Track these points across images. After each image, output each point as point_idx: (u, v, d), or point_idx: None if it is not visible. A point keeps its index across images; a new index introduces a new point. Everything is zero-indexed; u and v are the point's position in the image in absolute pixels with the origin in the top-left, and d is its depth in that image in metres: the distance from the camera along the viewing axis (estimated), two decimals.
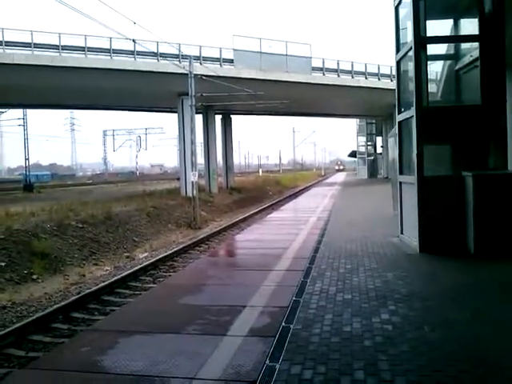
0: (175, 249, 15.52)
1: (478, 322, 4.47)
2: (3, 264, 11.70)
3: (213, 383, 3.51)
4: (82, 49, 25.02)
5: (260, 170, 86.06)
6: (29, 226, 14.34)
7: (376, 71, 34.71)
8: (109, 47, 25.49)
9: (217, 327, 4.69)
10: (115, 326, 5.07)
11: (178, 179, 34.12)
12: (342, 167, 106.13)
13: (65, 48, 24.81)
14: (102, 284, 11.02)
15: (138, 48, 24.83)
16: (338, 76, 32.91)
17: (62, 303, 9.44)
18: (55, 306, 9.27)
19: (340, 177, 59.11)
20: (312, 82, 30.75)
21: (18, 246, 12.76)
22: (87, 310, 9.38)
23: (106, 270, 13.67)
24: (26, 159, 44.77)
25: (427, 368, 3.51)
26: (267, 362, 3.76)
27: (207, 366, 3.75)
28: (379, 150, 48.39)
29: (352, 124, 66.59)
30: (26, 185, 41.46)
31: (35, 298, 10.43)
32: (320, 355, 3.82)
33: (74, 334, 7.69)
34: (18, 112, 44.80)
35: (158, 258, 13.99)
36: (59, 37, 24.71)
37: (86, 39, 25.11)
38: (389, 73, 33.64)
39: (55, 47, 24.56)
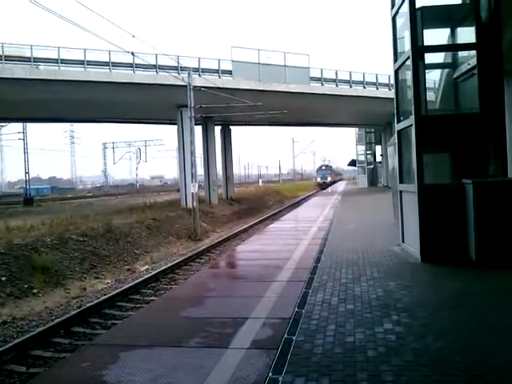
0: (176, 261, 15.47)
1: (482, 331, 4.44)
2: (4, 278, 11.66)
3: None
4: (81, 62, 25.12)
5: (260, 181, 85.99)
6: (29, 240, 14.30)
7: (374, 80, 34.82)
8: (108, 60, 25.62)
9: (219, 340, 4.65)
10: (117, 340, 5.03)
11: (178, 191, 34.16)
12: (329, 178, 67.84)
13: (64, 62, 24.91)
14: (103, 297, 10.97)
15: (137, 61, 24.92)
16: (337, 86, 32.99)
17: (63, 317, 9.40)
18: (56, 321, 9.23)
19: (340, 186, 59.07)
20: (310, 92, 30.83)
21: (18, 261, 12.72)
22: (88, 324, 9.33)
23: (107, 283, 13.62)
24: (25, 173, 44.86)
25: (431, 378, 3.48)
26: (270, 374, 3.72)
27: (210, 380, 3.72)
28: (379, 158, 48.46)
29: (351, 133, 66.52)
30: (26, 198, 41.50)
31: (36, 313, 10.38)
32: (323, 367, 3.79)
33: (76, 348, 7.65)
34: (18, 126, 45.01)
35: (158, 270, 13.95)
36: (58, 51, 24.83)
37: (85, 52, 25.23)
38: (387, 82, 33.77)
39: (54, 61, 24.68)
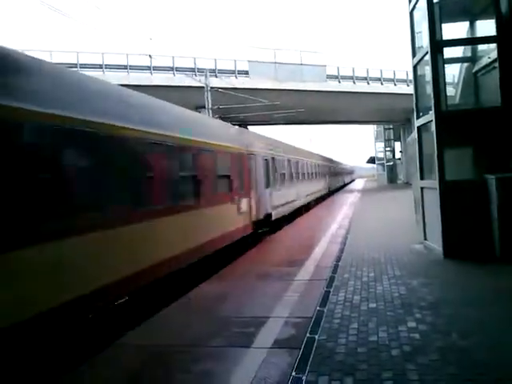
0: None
1: (508, 328, 4.35)
2: None
3: None
4: (99, 66, 25.46)
5: None
6: None
7: (392, 77, 34.56)
8: (126, 63, 25.89)
9: (241, 339, 4.65)
10: (143, 340, 5.06)
11: None
12: None
13: (83, 66, 25.27)
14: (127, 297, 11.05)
15: (154, 63, 25.16)
16: (354, 83, 32.81)
17: None
18: None
19: (359, 183, 58.61)
20: (327, 89, 30.74)
21: None
22: None
23: None
24: None
25: (458, 377, 3.42)
26: (293, 373, 3.71)
27: (233, 379, 3.72)
28: (398, 155, 48.01)
29: (369, 130, 66.24)
30: None
31: None
32: (347, 366, 3.76)
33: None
34: None
35: None
36: (77, 55, 25.22)
37: (103, 56, 25.57)
38: (405, 78, 33.45)
39: (73, 66, 25.03)
